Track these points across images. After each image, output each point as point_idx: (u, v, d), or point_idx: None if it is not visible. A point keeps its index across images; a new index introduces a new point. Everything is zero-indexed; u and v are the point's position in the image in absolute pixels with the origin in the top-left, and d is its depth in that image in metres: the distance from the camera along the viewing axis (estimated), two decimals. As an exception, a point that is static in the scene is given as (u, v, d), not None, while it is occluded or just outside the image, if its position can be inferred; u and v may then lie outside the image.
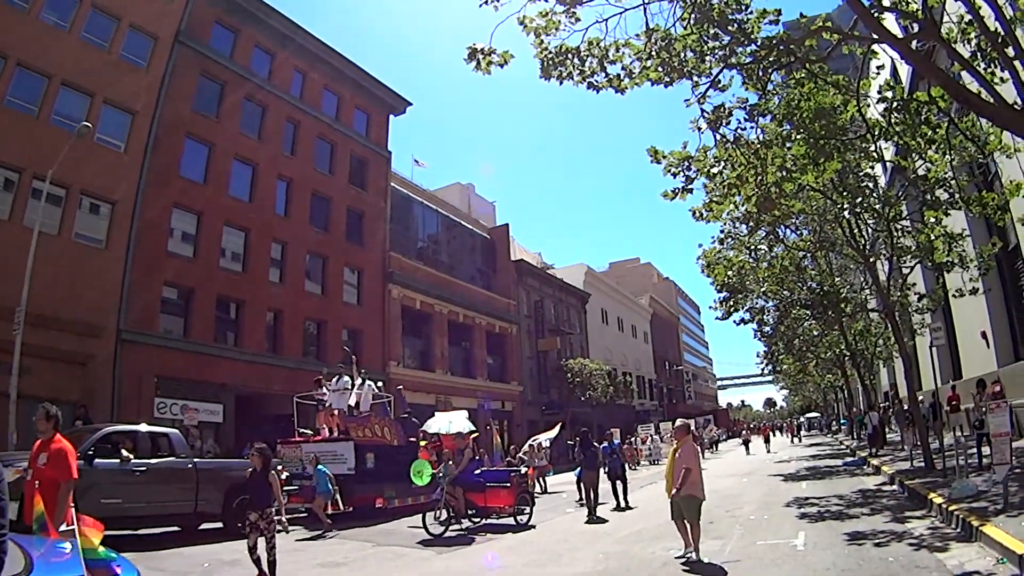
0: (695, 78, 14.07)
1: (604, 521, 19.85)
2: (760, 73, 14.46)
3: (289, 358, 37.53)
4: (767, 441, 59.17)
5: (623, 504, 22.70)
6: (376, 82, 47.23)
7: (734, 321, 36.44)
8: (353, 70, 45.37)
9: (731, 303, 34.73)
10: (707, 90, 14.25)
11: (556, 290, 70.73)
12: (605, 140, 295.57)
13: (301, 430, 26.04)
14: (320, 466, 20.48)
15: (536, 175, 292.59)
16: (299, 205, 40.63)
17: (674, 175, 15.75)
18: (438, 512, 18.86)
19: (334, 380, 25.36)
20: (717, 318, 38.22)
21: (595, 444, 23.90)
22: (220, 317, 35.49)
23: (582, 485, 23.90)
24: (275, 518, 11.82)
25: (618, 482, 23.31)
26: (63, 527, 7.86)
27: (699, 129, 15.15)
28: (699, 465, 12.83)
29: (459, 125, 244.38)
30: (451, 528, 18.76)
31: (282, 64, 40.68)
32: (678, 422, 13.96)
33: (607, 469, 23.26)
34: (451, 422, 25.04)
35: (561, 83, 13.75)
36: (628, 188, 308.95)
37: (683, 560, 12.28)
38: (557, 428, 36.39)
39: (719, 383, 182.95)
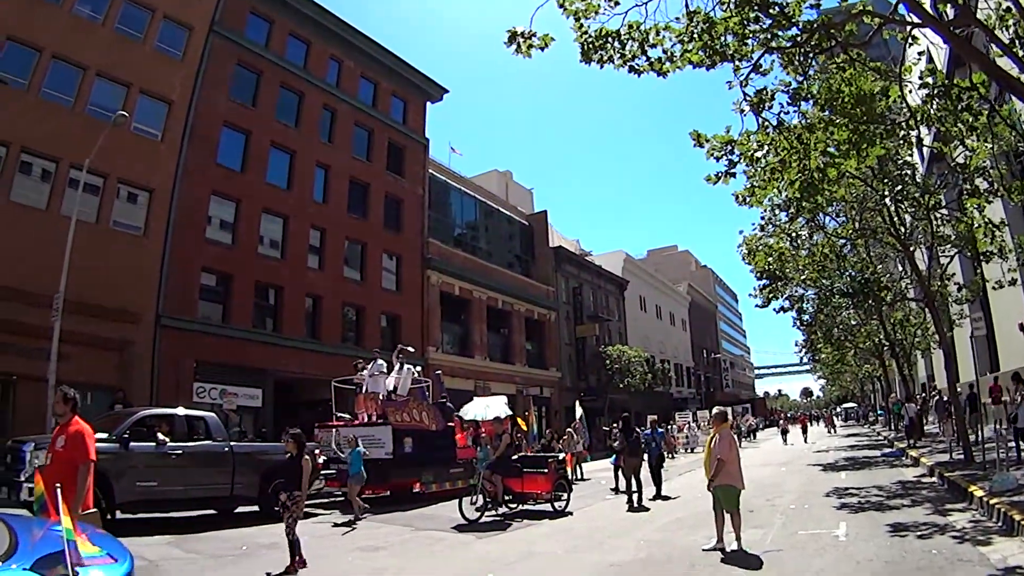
0: (736, 61, 13.63)
1: (646, 509, 19.29)
2: (801, 58, 14.16)
3: (328, 343, 37.18)
4: (804, 431, 57.87)
5: (660, 493, 21.89)
6: (412, 69, 46.65)
7: (773, 309, 35.98)
8: (389, 58, 44.86)
9: (771, 290, 34.18)
10: (749, 74, 13.85)
11: (594, 277, 69.82)
12: (644, 126, 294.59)
13: (339, 414, 25.66)
14: (358, 448, 19.93)
15: (574, 162, 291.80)
16: (337, 192, 40.25)
17: (717, 159, 15.23)
18: (474, 498, 18.49)
19: (371, 364, 24.82)
20: (757, 306, 37.81)
21: (637, 429, 22.93)
22: (259, 303, 35.34)
23: (621, 472, 23.16)
24: (299, 501, 11.77)
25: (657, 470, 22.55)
26: (81, 512, 7.60)
27: (742, 112, 14.73)
28: (736, 454, 12.54)
29: (497, 112, 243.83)
30: (487, 514, 18.31)
31: (318, 52, 40.29)
32: (715, 410, 13.92)
33: (647, 456, 22.30)
34: (488, 407, 24.79)
35: (602, 67, 13.31)
36: (666, 175, 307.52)
37: (713, 550, 12.01)
38: (578, 410, 35.62)
39: (756, 372, 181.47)
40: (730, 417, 14.89)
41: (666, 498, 21.36)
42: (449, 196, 52.27)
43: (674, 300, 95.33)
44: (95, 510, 8.44)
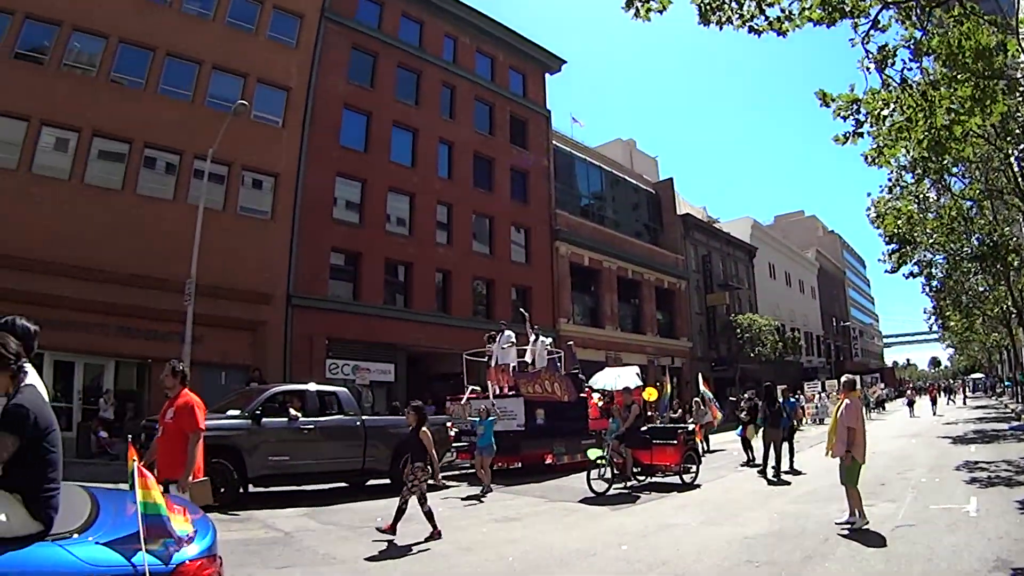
0: (855, 17, 12.82)
1: (786, 483, 18.48)
2: (918, 11, 13.51)
3: (458, 317, 36.68)
4: (934, 402, 54.60)
5: (792, 465, 20.66)
6: (528, 42, 45.48)
7: (903, 275, 34.66)
8: (504, 32, 43.84)
9: (901, 255, 32.58)
10: (869, 30, 13.02)
11: (723, 244, 67.28)
12: (766, 91, 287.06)
13: (471, 387, 25.31)
14: (490, 418, 19.34)
15: (697, 128, 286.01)
16: (462, 167, 39.58)
17: (844, 118, 14.48)
18: (602, 470, 17.76)
19: (500, 336, 24.30)
20: (886, 271, 36.22)
21: (779, 400, 21.80)
22: (389, 280, 35.19)
23: (751, 444, 22.72)
24: (420, 473, 11.77)
25: (786, 443, 21.08)
26: (191, 480, 8.16)
27: (867, 70, 13.91)
28: (862, 425, 12.06)
29: (617, 81, 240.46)
30: (614, 487, 17.64)
31: (432, 31, 39.71)
32: (844, 377, 13.29)
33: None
34: (619, 376, 24.03)
35: (721, 28, 12.60)
36: (790, 140, 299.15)
37: (845, 524, 11.72)
38: (701, 386, 34.19)
39: (885, 341, 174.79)
40: (859, 386, 13.82)
41: (797, 472, 20.42)
42: (574, 167, 50.74)
43: (803, 267, 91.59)
44: (206, 479, 8.45)
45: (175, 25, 29.04)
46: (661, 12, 12.12)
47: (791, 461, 20.61)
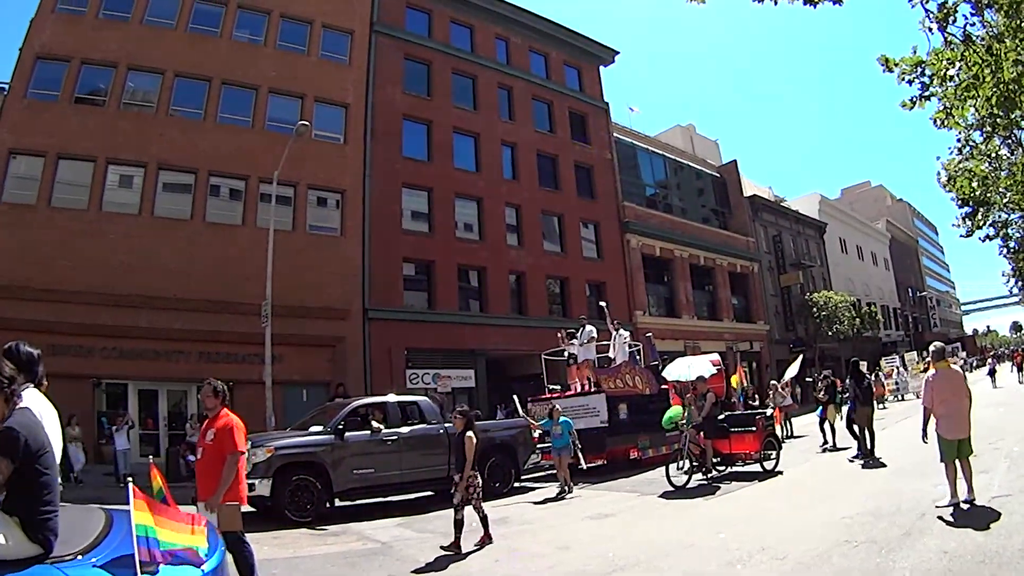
0: None
1: (882, 465, 17.01)
2: None
3: (534, 317, 35.94)
4: (1020, 369, 50.99)
5: (873, 444, 18.68)
6: (579, 36, 44.60)
7: (979, 238, 32.78)
8: (553, 27, 43.07)
9: (975, 218, 31.05)
10: None
11: (792, 223, 65.20)
12: (821, 61, 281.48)
13: (551, 387, 25.15)
14: (563, 418, 18.74)
15: (754, 107, 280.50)
16: (526, 167, 38.88)
17: (909, 82, 13.70)
18: (681, 462, 17.23)
19: (580, 332, 23.55)
20: (961, 236, 34.63)
21: (867, 376, 20.42)
22: (463, 286, 34.85)
23: (834, 425, 21.54)
24: (465, 478, 11.25)
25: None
26: (222, 503, 8.00)
27: (928, 30, 13.01)
28: (964, 396, 10.95)
29: (669, 65, 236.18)
30: (694, 478, 17.03)
31: (482, 34, 39.28)
32: (932, 346, 12.01)
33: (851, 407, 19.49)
34: (690, 366, 23.20)
35: (776, 3, 11.73)
36: (849, 109, 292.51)
37: (947, 506, 10.66)
38: (797, 362, 32.92)
39: (963, 308, 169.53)
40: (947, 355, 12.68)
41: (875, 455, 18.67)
42: (637, 157, 49.53)
43: (873, 239, 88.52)
44: (237, 504, 8.19)
45: (228, 54, 29.62)
46: None
47: (872, 445, 18.64)
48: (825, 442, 21.87)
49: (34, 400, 4.67)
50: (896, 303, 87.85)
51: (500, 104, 39.08)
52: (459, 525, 11.05)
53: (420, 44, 36.00)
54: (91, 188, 26.20)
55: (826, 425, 21.94)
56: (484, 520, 11.43)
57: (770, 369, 50.60)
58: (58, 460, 4.50)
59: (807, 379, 42.32)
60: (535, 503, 16.82)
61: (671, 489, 16.26)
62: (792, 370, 31.82)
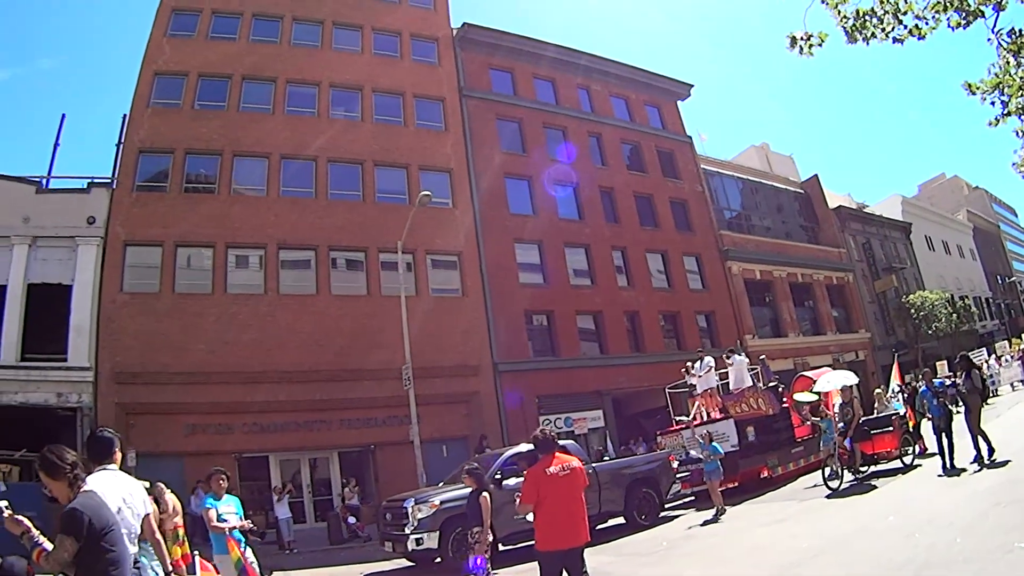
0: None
1: (1003, 464, 15.01)
2: None
3: (651, 353, 35.65)
4: None
5: (951, 463, 16.25)
6: (654, 75, 44.64)
7: None
8: (628, 71, 43.32)
9: None
10: (996, 19, 12.13)
11: (878, 227, 63.52)
12: (875, 58, 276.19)
13: (677, 418, 25.68)
14: (714, 443, 19.14)
15: (820, 116, 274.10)
16: (626, 210, 38.82)
17: (992, 103, 13.69)
18: (833, 467, 17.96)
19: (698, 364, 24.16)
20: None
21: (979, 367, 19.42)
22: (582, 329, 34.76)
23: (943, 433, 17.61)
24: (480, 538, 11.10)
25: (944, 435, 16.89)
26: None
27: (1014, 55, 13.14)
28: None
29: (732, 89, 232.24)
30: (845, 479, 17.73)
31: (564, 85, 39.71)
32: None
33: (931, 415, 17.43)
34: (829, 381, 22.62)
35: (868, 43, 12.00)
36: (908, 104, 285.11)
37: None
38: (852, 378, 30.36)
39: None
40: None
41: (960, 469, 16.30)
42: (721, 183, 48.98)
43: (957, 231, 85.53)
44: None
45: (330, 133, 30.32)
46: (820, 45, 11.61)
47: (951, 458, 16.21)
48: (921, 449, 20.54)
49: (111, 480, 5.13)
50: (987, 292, 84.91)
51: (592, 151, 39.24)
52: None
53: (508, 103, 36.61)
54: (213, 272, 26.83)
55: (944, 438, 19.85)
56: None
57: (876, 376, 49.15)
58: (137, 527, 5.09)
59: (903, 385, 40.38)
60: (700, 524, 17.02)
61: (828, 492, 17.03)
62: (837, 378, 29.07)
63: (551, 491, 7.48)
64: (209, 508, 9.60)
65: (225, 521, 9.22)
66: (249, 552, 9.63)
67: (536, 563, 7.76)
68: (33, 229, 24.90)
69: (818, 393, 21.95)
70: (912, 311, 55.23)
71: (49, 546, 4.39)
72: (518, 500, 7.98)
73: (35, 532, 4.53)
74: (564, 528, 7.50)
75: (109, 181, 27.04)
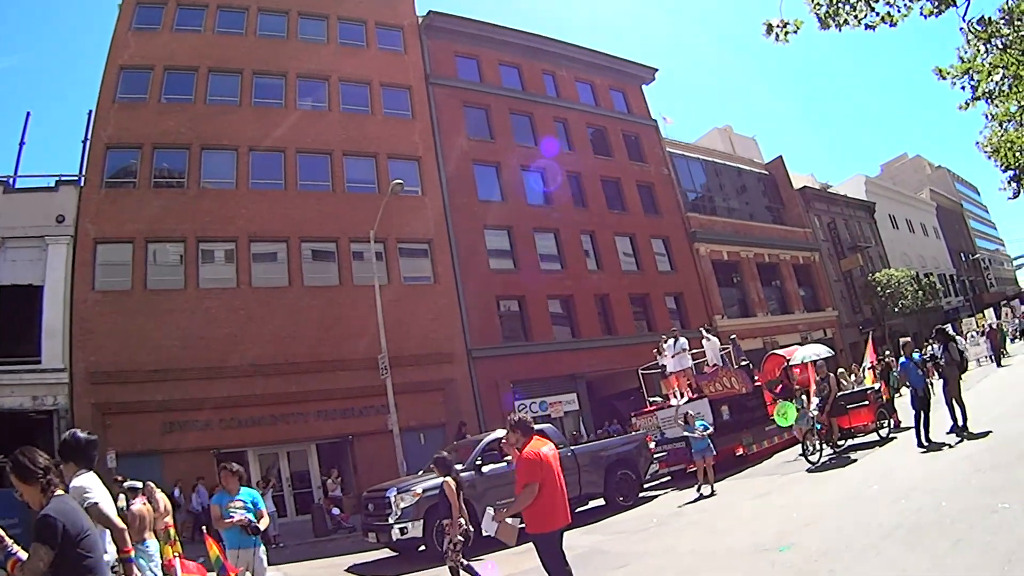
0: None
1: (979, 435, 14.89)
2: None
3: (623, 336, 35.84)
4: None
5: (926, 436, 16.06)
6: (618, 59, 44.81)
7: None
8: (592, 55, 43.44)
9: (1022, 181, 30.84)
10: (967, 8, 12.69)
11: (843, 207, 64.35)
12: (833, 42, 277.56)
13: (651, 399, 25.76)
14: (700, 422, 18.96)
15: (782, 99, 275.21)
16: (593, 194, 38.94)
17: (962, 88, 15.05)
18: (811, 442, 18.24)
19: (670, 344, 24.04)
20: (1009, 198, 33.96)
21: (955, 339, 19.27)
22: (554, 314, 34.84)
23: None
24: (450, 529, 10.80)
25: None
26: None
27: (985, 42, 14.23)
28: None
29: (689, 70, 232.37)
30: (824, 453, 18.42)
31: (529, 71, 39.74)
32: None
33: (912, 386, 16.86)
34: (804, 355, 22.84)
35: (840, 29, 12.35)
36: (869, 84, 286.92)
37: None
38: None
39: (1016, 263, 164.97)
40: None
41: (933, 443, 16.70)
42: (687, 166, 49.14)
43: (921, 210, 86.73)
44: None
45: (298, 123, 30.10)
46: (796, 32, 11.77)
47: (927, 431, 15.92)
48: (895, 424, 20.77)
49: (88, 483, 5.17)
50: (951, 269, 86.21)
51: (559, 136, 39.16)
52: (453, 572, 10.62)
53: (475, 90, 36.55)
54: (185, 267, 26.57)
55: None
56: (454, 571, 10.63)
57: (845, 353, 49.65)
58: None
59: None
60: (688, 502, 16.99)
61: (809, 465, 17.37)
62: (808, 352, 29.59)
63: (549, 472, 7.47)
64: (215, 505, 9.55)
65: (231, 517, 9.15)
66: (262, 550, 9.49)
67: (526, 547, 7.91)
68: (1, 230, 24.52)
69: (795, 368, 22.01)
70: (879, 289, 55.79)
71: (24, 555, 4.35)
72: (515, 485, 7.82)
73: (8, 541, 4.49)
74: (563, 507, 7.58)
75: (77, 178, 26.63)
